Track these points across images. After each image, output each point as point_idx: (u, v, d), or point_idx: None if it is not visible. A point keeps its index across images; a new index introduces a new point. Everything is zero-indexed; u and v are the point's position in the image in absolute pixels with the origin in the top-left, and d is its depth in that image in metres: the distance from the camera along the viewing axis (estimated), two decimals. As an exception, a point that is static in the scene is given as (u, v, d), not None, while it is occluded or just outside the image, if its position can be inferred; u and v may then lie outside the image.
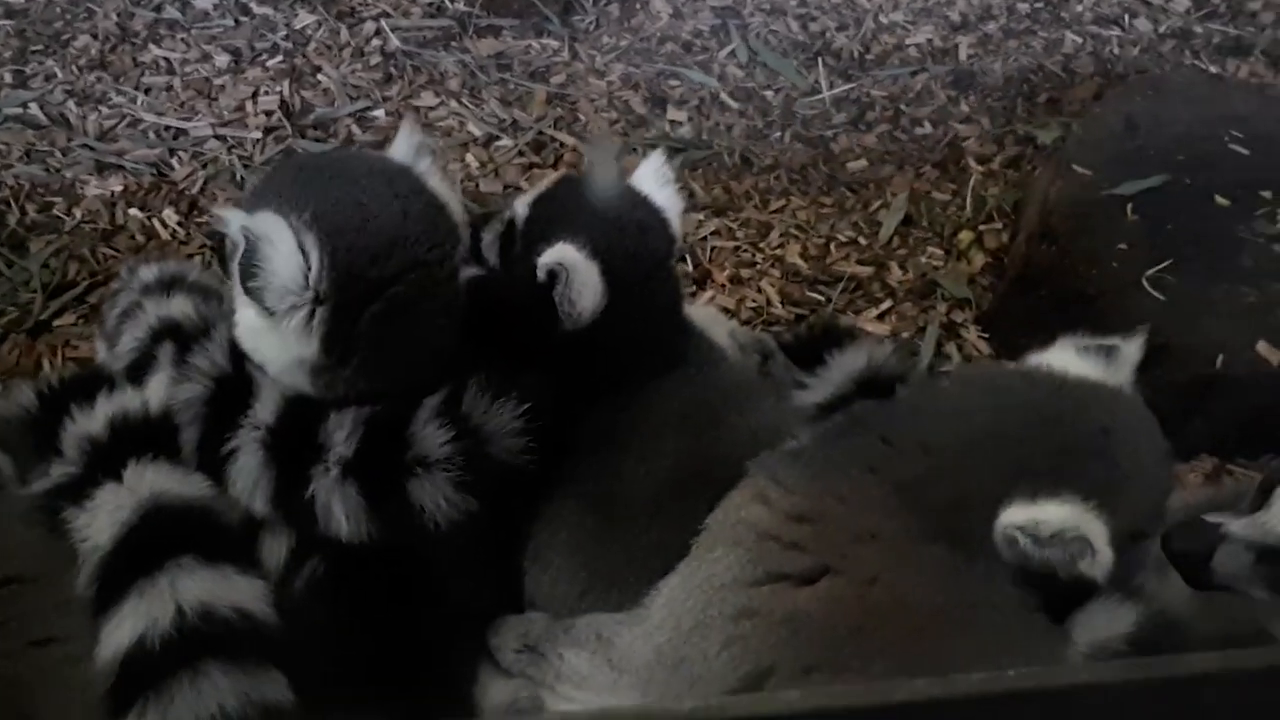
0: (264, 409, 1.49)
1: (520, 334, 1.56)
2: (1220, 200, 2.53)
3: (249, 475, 1.47)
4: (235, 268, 1.49)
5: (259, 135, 3.04)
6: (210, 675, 1.35)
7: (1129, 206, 2.50)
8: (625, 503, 1.59)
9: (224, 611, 1.38)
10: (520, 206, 1.66)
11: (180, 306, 1.68)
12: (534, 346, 1.53)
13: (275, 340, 1.50)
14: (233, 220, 1.47)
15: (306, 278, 1.45)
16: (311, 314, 1.46)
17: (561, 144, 3.07)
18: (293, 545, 1.48)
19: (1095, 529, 1.30)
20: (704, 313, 2.00)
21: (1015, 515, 1.32)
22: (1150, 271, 2.35)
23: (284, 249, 1.44)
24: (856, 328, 2.40)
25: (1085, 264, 2.39)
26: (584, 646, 1.55)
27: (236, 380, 1.52)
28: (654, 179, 1.70)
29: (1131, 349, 1.53)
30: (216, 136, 3.03)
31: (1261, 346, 2.24)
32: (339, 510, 1.43)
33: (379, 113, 3.16)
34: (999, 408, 1.47)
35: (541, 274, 1.52)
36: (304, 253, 1.44)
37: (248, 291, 1.48)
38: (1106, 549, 1.30)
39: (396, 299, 1.49)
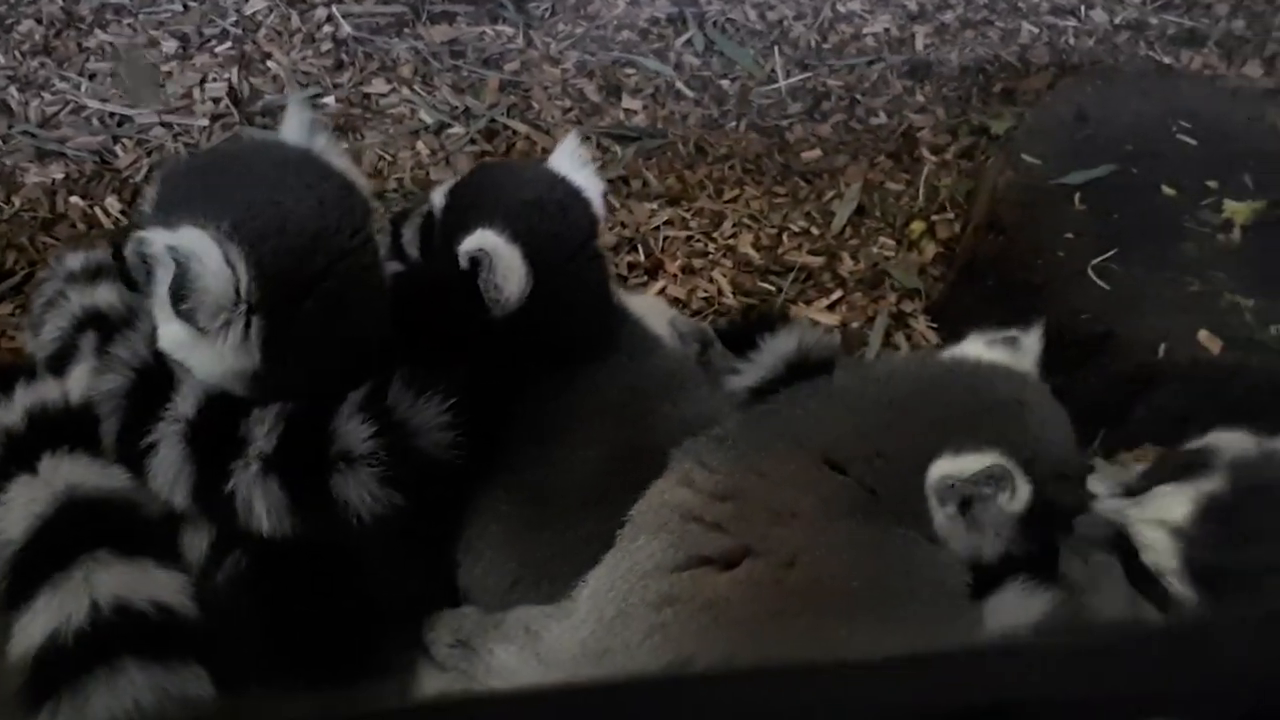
0: (185, 402, 1.46)
1: (446, 325, 1.53)
2: (1167, 190, 2.54)
3: (169, 469, 1.44)
4: (164, 292, 1.43)
5: (206, 123, 2.99)
6: (127, 671, 1.32)
7: (1077, 196, 2.50)
8: (555, 493, 1.57)
9: (141, 605, 1.36)
10: (438, 197, 1.63)
11: (105, 295, 1.65)
12: (461, 337, 1.51)
13: (211, 355, 1.46)
14: (155, 240, 1.41)
15: (238, 291, 1.41)
16: (247, 325, 1.43)
17: (514, 132, 3.04)
18: (214, 539, 1.46)
19: (1016, 470, 1.37)
20: (644, 301, 1.98)
21: (942, 466, 1.39)
22: (1095, 261, 2.36)
23: (212, 266, 1.39)
24: (792, 313, 2.39)
25: (1031, 254, 2.39)
26: (513, 641, 1.54)
27: (158, 372, 1.49)
28: (571, 160, 1.68)
29: (1032, 339, 1.58)
30: (162, 124, 2.98)
31: (1203, 335, 2.26)
32: (260, 505, 1.40)
33: (329, 100, 3.11)
34: (923, 380, 1.54)
35: (464, 261, 1.49)
36: (231, 265, 1.40)
37: (180, 314, 1.43)
38: (1026, 485, 1.37)
39: (329, 292, 1.46)
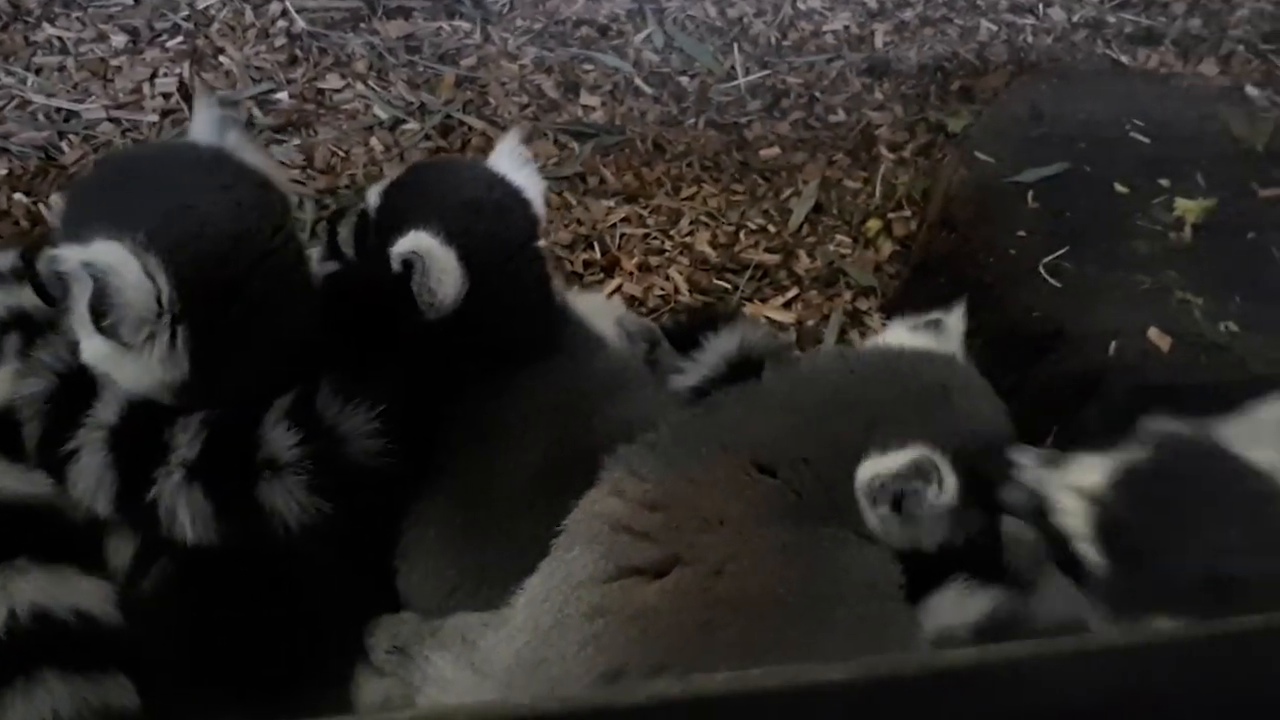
0: (107, 408, 1.43)
1: (379, 327, 1.50)
2: (1119, 188, 2.55)
3: (91, 476, 1.40)
4: (83, 309, 1.39)
5: (155, 118, 2.94)
6: (45, 681, 1.30)
7: (1030, 194, 2.50)
8: (493, 497, 1.55)
9: (62, 614, 1.33)
10: (373, 196, 1.60)
11: (32, 296, 1.61)
12: (394, 340, 1.48)
13: (138, 368, 1.43)
14: (69, 258, 1.36)
15: (160, 302, 1.37)
16: (173, 336, 1.39)
17: (470, 128, 3.01)
18: (140, 546, 1.43)
19: (942, 462, 1.37)
20: (591, 301, 1.96)
21: (870, 466, 1.39)
22: (1047, 259, 2.36)
23: (131, 279, 1.35)
24: (738, 311, 2.38)
25: (984, 251, 2.39)
26: (449, 649, 1.52)
27: (81, 377, 1.45)
28: (512, 159, 1.65)
29: (955, 320, 1.59)
30: (110, 119, 2.93)
31: (1153, 333, 2.26)
32: (184, 513, 1.37)
33: (282, 95, 3.07)
34: (846, 373, 1.54)
35: (396, 264, 1.46)
36: (150, 276, 1.36)
37: (102, 331, 1.39)
38: (952, 477, 1.37)
39: (254, 295, 1.43)
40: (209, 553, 1.40)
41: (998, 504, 1.47)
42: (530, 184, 1.64)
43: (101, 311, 1.37)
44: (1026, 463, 1.46)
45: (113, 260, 1.34)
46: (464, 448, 1.56)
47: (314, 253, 1.74)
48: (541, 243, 1.62)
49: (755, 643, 1.28)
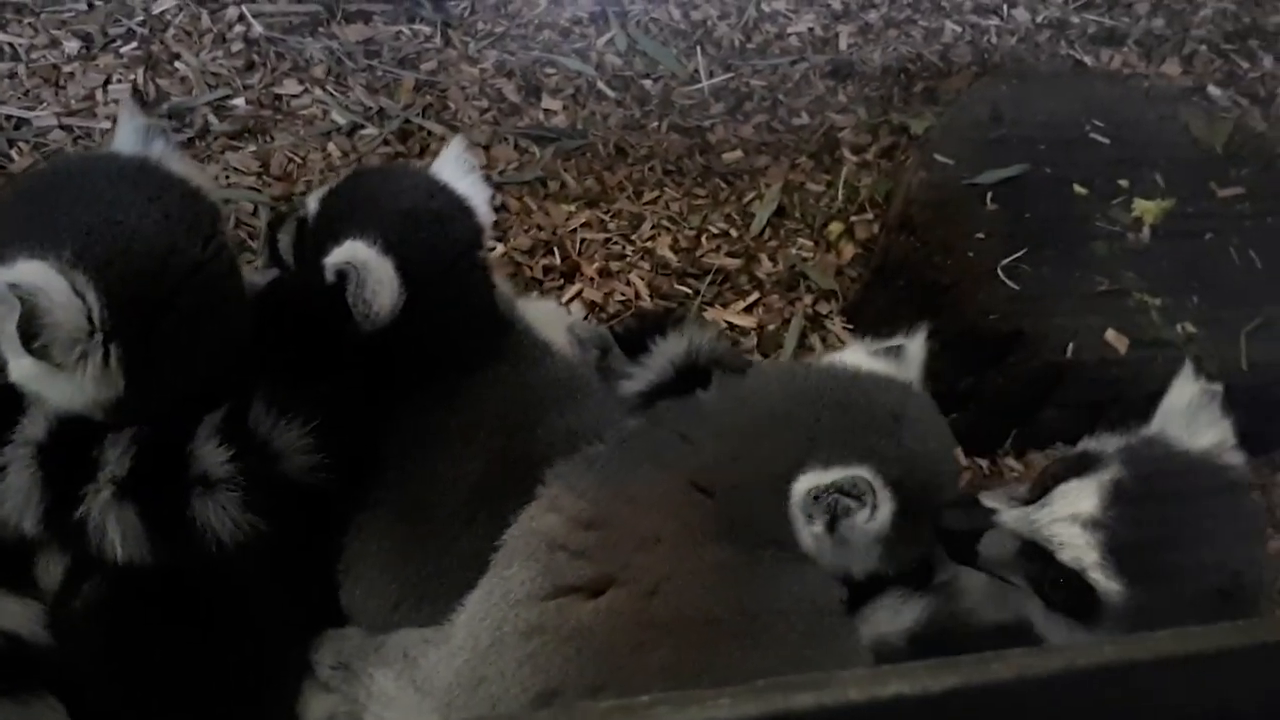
0: (34, 425, 1.39)
1: (317, 339, 1.48)
2: (1078, 189, 2.55)
3: (18, 494, 1.37)
4: (11, 330, 1.35)
5: (108, 125, 2.89)
6: (-29, 705, 1.26)
7: (988, 196, 2.49)
8: (434, 510, 1.53)
9: (-13, 637, 1.30)
10: (312, 203, 1.57)
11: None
12: (332, 351, 1.45)
13: (71, 387, 1.39)
14: None
15: (91, 320, 1.33)
16: (106, 354, 1.36)
17: (429, 133, 2.98)
18: (70, 564, 1.39)
19: (879, 483, 1.34)
20: (540, 307, 1.94)
21: (807, 480, 1.37)
22: (1005, 261, 2.35)
23: (60, 299, 1.31)
24: (684, 315, 2.35)
25: (942, 254, 2.38)
26: (391, 665, 1.50)
27: (6, 392, 1.41)
28: (455, 167, 1.63)
29: (915, 347, 1.55)
30: (62, 126, 2.88)
31: (1110, 334, 2.26)
32: (113, 531, 1.34)
33: (239, 101, 3.03)
34: (794, 394, 1.49)
35: (330, 275, 1.44)
36: (80, 295, 1.32)
37: (33, 353, 1.35)
38: (889, 499, 1.34)
39: (186, 309, 1.40)
40: (141, 570, 1.37)
41: (967, 554, 1.43)
42: (474, 191, 1.62)
43: (31, 333, 1.33)
44: (999, 506, 1.42)
45: (39, 280, 1.31)
46: (405, 459, 1.54)
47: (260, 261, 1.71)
48: (484, 252, 1.59)
49: (688, 663, 1.27)
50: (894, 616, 1.40)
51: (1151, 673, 0.72)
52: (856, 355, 1.53)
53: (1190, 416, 1.45)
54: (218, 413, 1.38)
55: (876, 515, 1.34)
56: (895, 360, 1.52)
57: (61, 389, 1.40)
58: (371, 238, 1.46)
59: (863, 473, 1.34)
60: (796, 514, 1.37)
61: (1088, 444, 1.48)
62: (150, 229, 1.36)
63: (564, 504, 1.40)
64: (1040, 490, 1.45)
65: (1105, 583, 1.34)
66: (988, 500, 1.45)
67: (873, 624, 1.39)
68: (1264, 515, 1.54)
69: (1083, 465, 1.43)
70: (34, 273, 1.31)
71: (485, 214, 1.63)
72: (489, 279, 1.63)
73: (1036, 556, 1.39)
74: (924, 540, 1.43)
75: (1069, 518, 1.37)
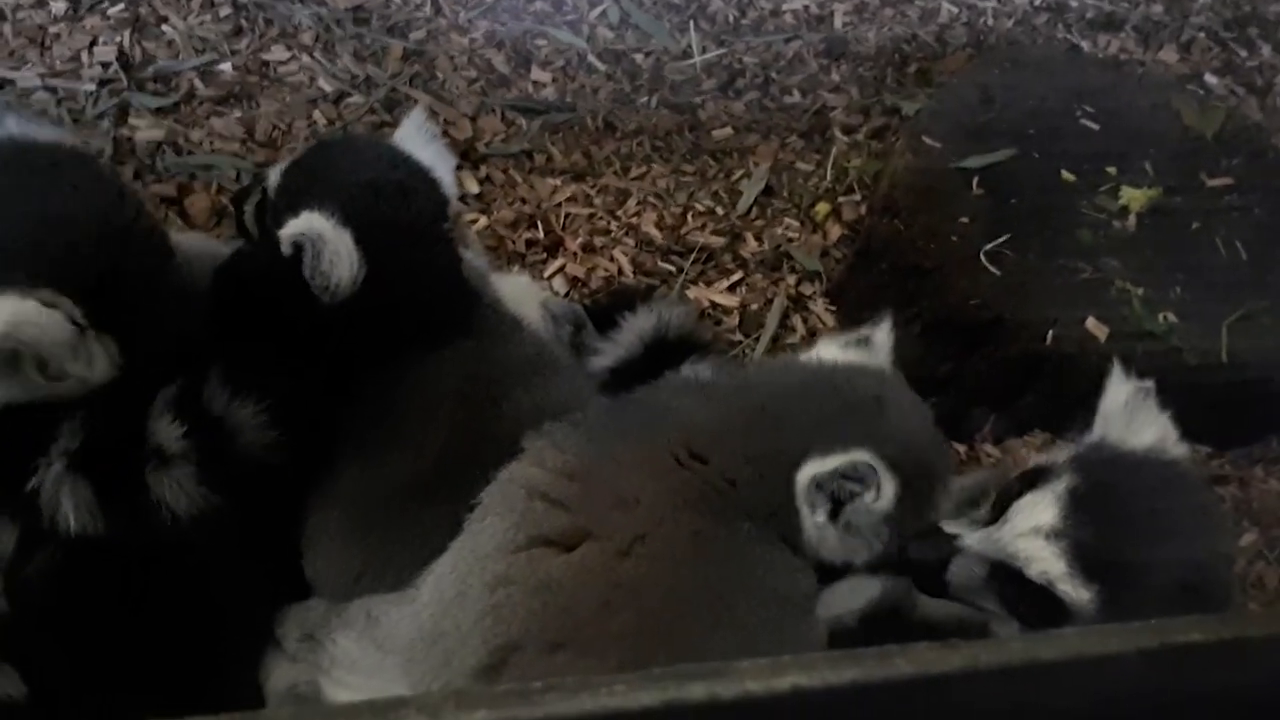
0: None
1: (276, 311, 1.46)
2: (1066, 176, 2.53)
3: None
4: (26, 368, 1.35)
5: (92, 87, 2.87)
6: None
7: (975, 180, 2.48)
8: (396, 483, 1.52)
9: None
10: (274, 175, 1.55)
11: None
12: (292, 324, 1.44)
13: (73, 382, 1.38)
14: None
15: (75, 323, 1.33)
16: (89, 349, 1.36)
17: (415, 102, 2.95)
18: (22, 533, 1.39)
19: (880, 464, 1.37)
20: (514, 282, 1.92)
21: (810, 468, 1.38)
22: (988, 246, 2.34)
23: (40, 321, 1.30)
24: (652, 291, 2.34)
25: (925, 238, 2.37)
26: (353, 628, 1.50)
27: None
28: (417, 137, 1.61)
29: (882, 335, 1.56)
30: (46, 88, 2.85)
31: (1090, 323, 2.25)
32: (66, 502, 1.34)
33: (225, 66, 3.00)
34: (780, 383, 1.53)
35: (286, 247, 1.42)
36: (50, 306, 1.31)
37: (50, 378, 1.35)
38: (891, 483, 1.36)
39: (136, 284, 1.39)
40: (95, 542, 1.37)
41: (937, 584, 1.44)
42: (438, 162, 1.60)
43: (43, 363, 1.33)
44: (963, 531, 1.43)
45: (6, 312, 1.29)
46: (367, 432, 1.53)
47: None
48: (449, 224, 1.58)
49: (650, 631, 1.27)
50: (851, 596, 1.41)
51: (1052, 672, 0.72)
52: (829, 349, 1.55)
53: (1129, 416, 1.46)
54: (172, 388, 1.37)
55: (882, 494, 1.36)
56: (864, 350, 1.54)
57: (70, 386, 1.39)
58: (330, 209, 1.44)
59: (863, 456, 1.36)
60: (801, 505, 1.39)
61: (1038, 459, 1.49)
62: (81, 219, 1.34)
63: (548, 457, 1.42)
64: (999, 510, 1.46)
65: (1075, 593, 1.35)
66: (949, 527, 1.46)
67: (829, 606, 1.40)
68: (1217, 504, 1.54)
69: (1036, 479, 1.44)
70: (14, 311, 1.29)
71: (449, 185, 1.61)
72: (454, 252, 1.61)
73: (1005, 576, 1.40)
74: (927, 516, 1.44)
75: (1031, 531, 1.38)
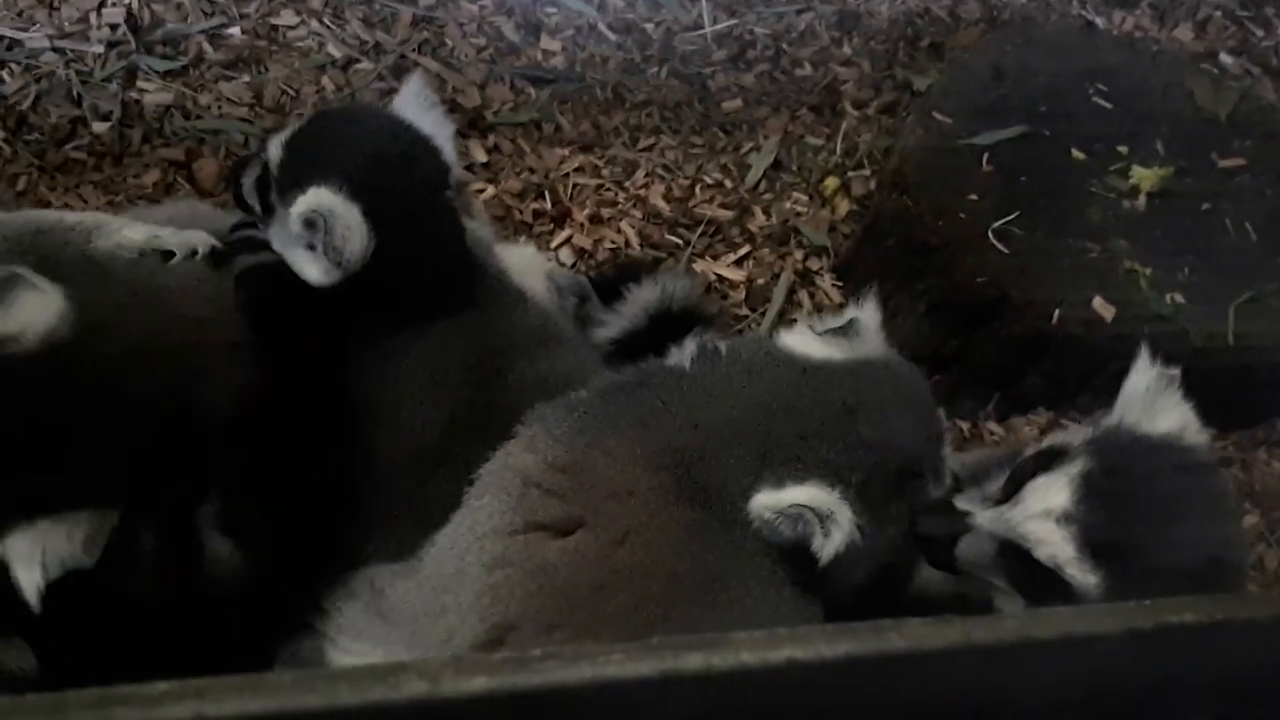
0: None
1: (299, 309, 1.47)
2: (1077, 154, 2.52)
3: None
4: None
5: (101, 49, 2.86)
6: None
7: (985, 157, 2.47)
8: (402, 453, 1.53)
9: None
10: (274, 148, 1.54)
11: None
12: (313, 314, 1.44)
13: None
14: None
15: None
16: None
17: (424, 70, 2.94)
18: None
19: (835, 504, 1.33)
20: (519, 253, 1.92)
21: (764, 499, 1.34)
22: (996, 224, 2.33)
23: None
24: (658, 264, 2.33)
25: (933, 214, 2.36)
26: (359, 598, 1.51)
27: None
28: (417, 105, 1.60)
29: (869, 314, 1.51)
30: (54, 49, 2.84)
31: (1097, 303, 2.25)
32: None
33: (234, 30, 2.98)
34: (752, 395, 1.44)
35: (297, 225, 1.42)
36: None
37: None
38: (847, 523, 1.32)
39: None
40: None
41: (947, 558, 1.42)
42: (439, 130, 1.59)
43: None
44: (974, 509, 1.41)
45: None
46: (371, 404, 1.54)
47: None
48: (451, 193, 1.57)
49: (645, 614, 1.28)
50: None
51: (1046, 650, 0.72)
52: (803, 341, 1.47)
53: (1150, 402, 1.44)
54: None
55: (829, 539, 1.32)
56: (847, 336, 1.46)
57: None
58: (337, 183, 1.43)
59: (811, 496, 1.32)
60: (755, 522, 1.35)
61: (1054, 439, 1.48)
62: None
63: (541, 445, 1.41)
64: (1012, 488, 1.44)
65: (1083, 577, 1.34)
66: (961, 503, 1.44)
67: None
68: (1232, 494, 1.52)
69: (1051, 460, 1.42)
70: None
71: (450, 152, 1.60)
72: (459, 222, 1.61)
73: (1014, 555, 1.39)
74: (919, 502, 1.40)
75: (1043, 513, 1.37)
